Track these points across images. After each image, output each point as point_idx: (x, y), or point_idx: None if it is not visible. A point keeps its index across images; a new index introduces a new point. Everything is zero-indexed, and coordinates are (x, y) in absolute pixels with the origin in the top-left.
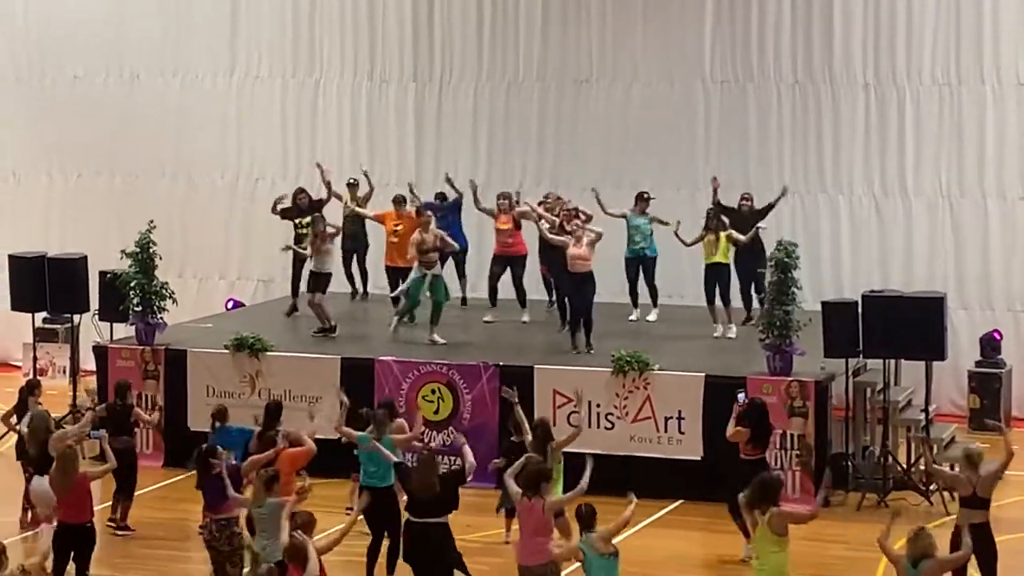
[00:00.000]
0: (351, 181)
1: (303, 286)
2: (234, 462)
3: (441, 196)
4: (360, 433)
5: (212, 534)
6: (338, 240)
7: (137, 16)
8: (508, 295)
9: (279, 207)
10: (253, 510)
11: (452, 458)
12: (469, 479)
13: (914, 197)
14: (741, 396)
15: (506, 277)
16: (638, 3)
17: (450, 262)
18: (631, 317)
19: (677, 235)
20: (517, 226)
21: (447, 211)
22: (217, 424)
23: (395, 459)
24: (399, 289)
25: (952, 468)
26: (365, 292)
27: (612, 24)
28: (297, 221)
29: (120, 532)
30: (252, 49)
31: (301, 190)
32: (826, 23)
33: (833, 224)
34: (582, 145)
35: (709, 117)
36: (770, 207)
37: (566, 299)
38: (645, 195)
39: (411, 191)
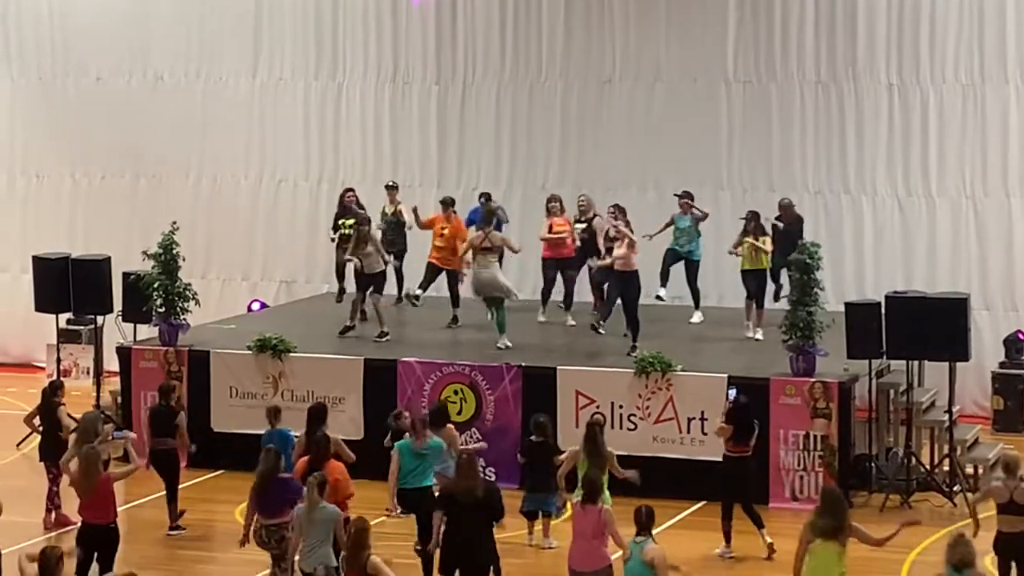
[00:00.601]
0: (390, 184)
1: (350, 288)
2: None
3: (486, 196)
4: (399, 443)
5: (262, 538)
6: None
7: (160, 18)
8: (530, 296)
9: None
10: (303, 516)
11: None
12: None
13: (937, 197)
14: (732, 393)
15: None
16: (661, 3)
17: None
18: (659, 294)
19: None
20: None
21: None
22: (270, 424)
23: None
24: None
25: (976, 469)
26: (399, 297)
27: (635, 24)
28: (341, 221)
29: (172, 532)
30: (275, 51)
31: (349, 189)
32: (849, 23)
33: (856, 224)
34: (605, 145)
35: (732, 117)
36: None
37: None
38: (676, 194)
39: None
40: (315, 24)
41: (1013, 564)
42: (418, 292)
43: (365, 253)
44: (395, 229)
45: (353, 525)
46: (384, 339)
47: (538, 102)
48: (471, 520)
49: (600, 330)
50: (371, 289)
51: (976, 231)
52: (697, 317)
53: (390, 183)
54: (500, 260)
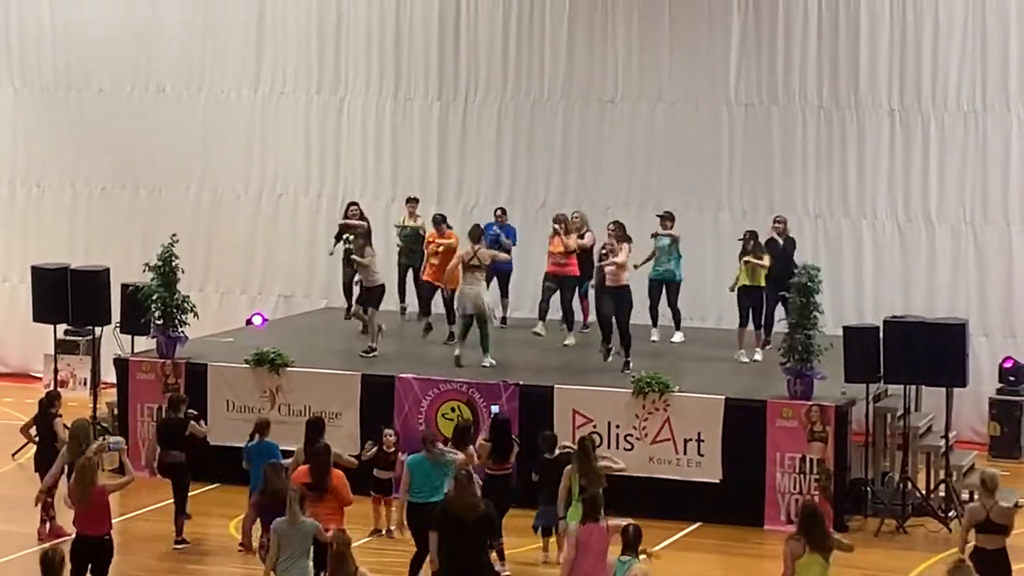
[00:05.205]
0: (410, 197)
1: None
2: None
3: (501, 210)
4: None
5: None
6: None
7: (163, 30)
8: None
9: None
10: (283, 529)
11: None
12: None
13: (937, 223)
14: (494, 409)
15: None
16: (664, 24)
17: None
18: (653, 338)
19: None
20: (569, 251)
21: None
22: (257, 436)
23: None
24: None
25: (971, 496)
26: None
27: (638, 44)
28: (346, 236)
29: (177, 547)
30: (277, 65)
31: (352, 203)
32: (852, 48)
33: (856, 249)
34: (606, 165)
35: (733, 139)
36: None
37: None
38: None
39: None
40: (317, 38)
41: None
42: (428, 321)
43: (362, 265)
44: (415, 241)
45: (335, 540)
46: (371, 355)
47: (539, 120)
48: (473, 537)
49: (609, 357)
50: (367, 303)
51: (975, 257)
52: (679, 337)
53: (411, 196)
54: (489, 279)
